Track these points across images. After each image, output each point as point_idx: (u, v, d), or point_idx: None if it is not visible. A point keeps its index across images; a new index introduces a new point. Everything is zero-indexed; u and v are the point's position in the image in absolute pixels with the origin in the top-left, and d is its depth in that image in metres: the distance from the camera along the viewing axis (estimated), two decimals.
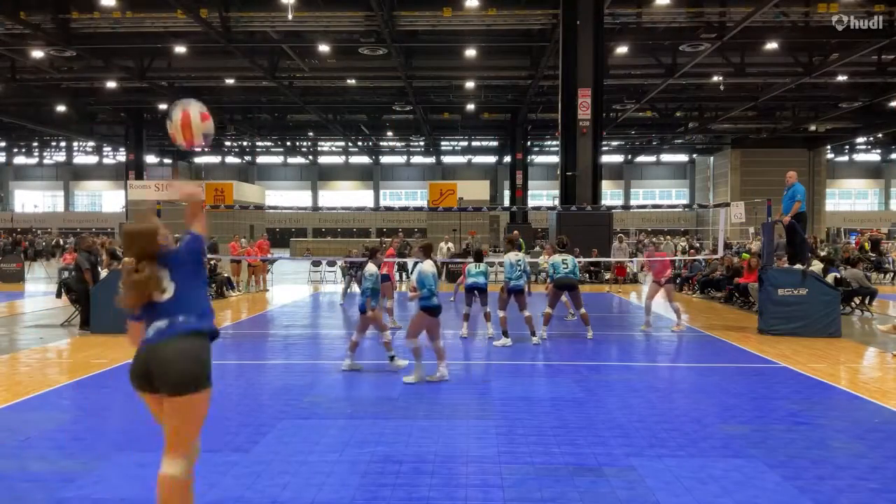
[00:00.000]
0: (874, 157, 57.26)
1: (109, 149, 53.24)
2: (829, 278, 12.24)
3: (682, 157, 59.70)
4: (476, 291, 10.24)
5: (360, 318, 7.83)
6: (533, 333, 9.77)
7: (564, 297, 11.30)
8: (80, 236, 13.45)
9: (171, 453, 3.00)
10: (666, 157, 59.87)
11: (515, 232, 18.81)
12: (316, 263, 22.13)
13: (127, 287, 2.96)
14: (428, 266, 7.50)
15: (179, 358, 2.91)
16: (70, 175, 61.69)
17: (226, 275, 17.30)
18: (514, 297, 9.76)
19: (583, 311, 10.32)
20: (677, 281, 18.78)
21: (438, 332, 7.36)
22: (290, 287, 19.95)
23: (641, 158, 58.61)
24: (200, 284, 3.08)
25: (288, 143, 52.25)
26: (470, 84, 30.23)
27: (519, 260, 9.79)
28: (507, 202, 50.21)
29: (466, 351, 9.55)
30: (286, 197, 60.79)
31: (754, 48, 25.18)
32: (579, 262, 12.07)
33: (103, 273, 12.64)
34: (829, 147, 49.56)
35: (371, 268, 7.79)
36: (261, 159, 61.88)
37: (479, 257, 10.55)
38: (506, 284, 9.86)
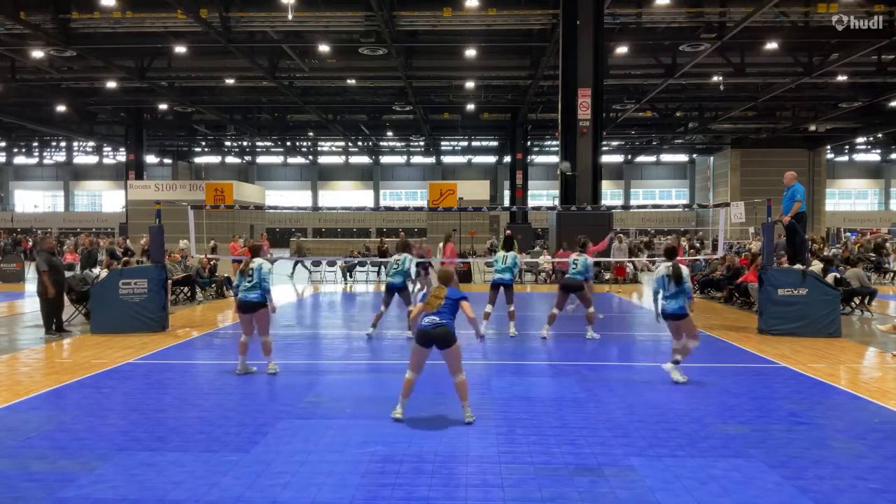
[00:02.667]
0: (874, 157, 57.25)
1: (109, 149, 53.23)
2: (829, 278, 12.24)
3: (682, 157, 59.70)
4: (501, 287, 10.32)
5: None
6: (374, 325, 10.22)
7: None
8: (40, 237, 13.21)
9: (457, 372, 5.76)
10: (666, 157, 59.86)
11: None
12: (316, 263, 22.13)
13: (433, 296, 5.84)
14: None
15: (445, 334, 5.64)
16: (70, 175, 61.70)
17: (226, 275, 17.30)
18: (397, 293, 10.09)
19: (591, 310, 10.24)
20: None
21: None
22: (291, 287, 19.94)
23: (641, 158, 58.60)
24: (455, 307, 5.84)
25: (288, 143, 52.23)
26: (470, 84, 30.21)
27: (398, 259, 10.15)
28: (507, 202, 50.20)
29: (465, 351, 9.55)
30: (286, 197, 60.78)
31: (754, 48, 25.17)
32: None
33: (103, 273, 12.63)
34: (829, 147, 49.55)
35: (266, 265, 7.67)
36: (261, 159, 61.88)
37: (508, 245, 10.61)
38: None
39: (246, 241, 22.64)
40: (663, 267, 7.33)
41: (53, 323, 10.46)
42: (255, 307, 7.43)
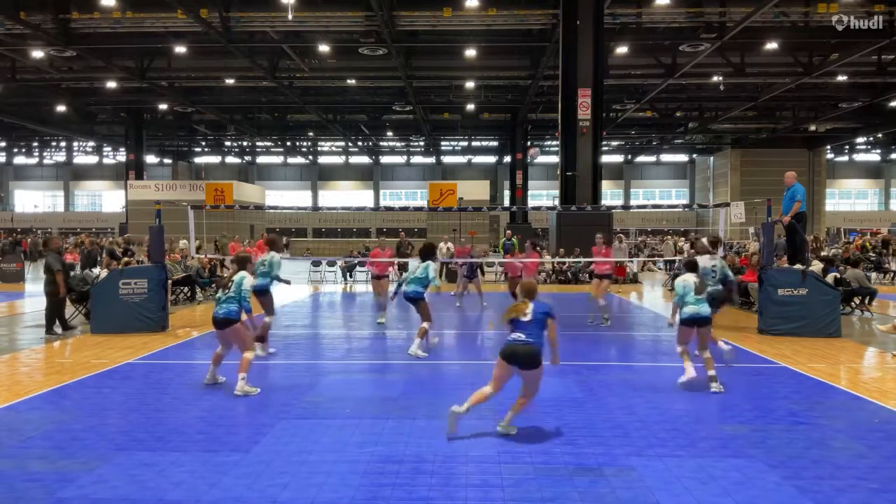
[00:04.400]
0: (874, 157, 57.22)
1: (109, 149, 53.22)
2: (829, 278, 12.24)
3: (682, 157, 59.66)
4: (409, 302, 9.01)
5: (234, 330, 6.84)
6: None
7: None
8: (48, 236, 13.31)
9: (529, 396, 5.46)
10: (666, 157, 59.83)
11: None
12: (316, 263, 22.13)
13: (513, 308, 5.47)
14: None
15: (532, 354, 5.26)
16: (70, 175, 61.66)
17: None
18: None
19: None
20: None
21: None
22: (290, 287, 19.93)
23: (641, 158, 58.58)
24: (543, 323, 5.44)
25: (288, 143, 52.22)
26: (470, 84, 30.23)
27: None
28: (507, 202, 50.19)
29: (465, 350, 9.55)
30: (286, 197, 60.74)
31: (754, 48, 25.18)
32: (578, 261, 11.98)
33: (103, 273, 12.62)
34: (829, 147, 49.54)
35: (249, 280, 6.98)
36: (261, 159, 61.85)
37: (426, 254, 9.10)
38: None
39: (246, 242, 22.62)
40: (690, 277, 7.02)
41: (55, 323, 10.52)
42: (224, 324, 6.77)
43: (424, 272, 8.81)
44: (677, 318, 7.11)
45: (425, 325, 8.74)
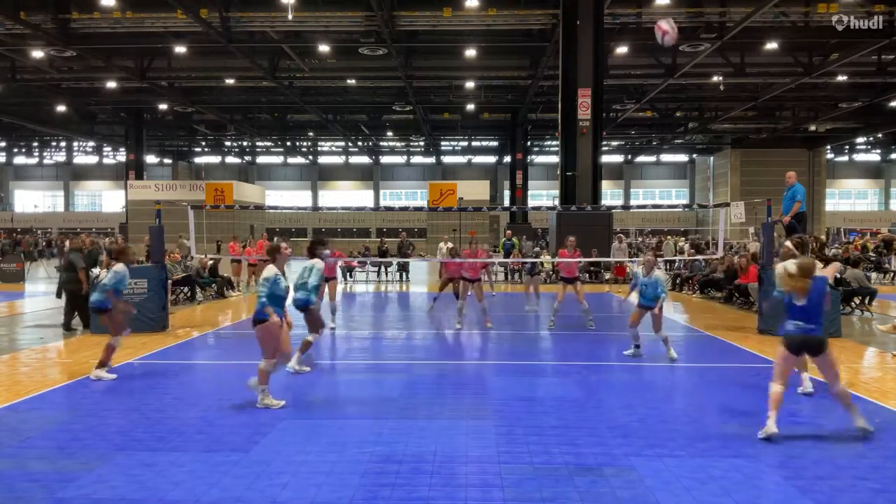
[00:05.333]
0: (874, 157, 57.22)
1: (109, 149, 53.24)
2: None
3: (682, 157, 59.67)
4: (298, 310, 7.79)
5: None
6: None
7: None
8: (72, 236, 13.57)
9: (834, 382, 5.36)
10: (666, 157, 59.83)
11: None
12: None
13: (790, 282, 5.24)
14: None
15: (818, 343, 5.27)
16: (70, 175, 61.66)
17: (226, 275, 17.29)
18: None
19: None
20: (677, 281, 18.89)
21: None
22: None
23: (641, 158, 58.58)
24: (821, 306, 5.33)
25: (288, 143, 52.23)
26: (470, 84, 30.23)
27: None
28: (507, 202, 50.20)
29: (465, 350, 9.55)
30: (286, 197, 60.75)
31: (754, 48, 25.19)
32: (579, 261, 11.81)
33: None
34: (829, 147, 49.55)
35: (270, 270, 6.34)
36: (261, 159, 61.86)
37: (311, 252, 8.02)
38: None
39: (247, 241, 22.62)
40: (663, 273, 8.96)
41: (73, 319, 10.83)
42: (253, 323, 6.29)
43: (310, 275, 7.70)
44: (634, 300, 8.83)
45: (310, 337, 7.70)
